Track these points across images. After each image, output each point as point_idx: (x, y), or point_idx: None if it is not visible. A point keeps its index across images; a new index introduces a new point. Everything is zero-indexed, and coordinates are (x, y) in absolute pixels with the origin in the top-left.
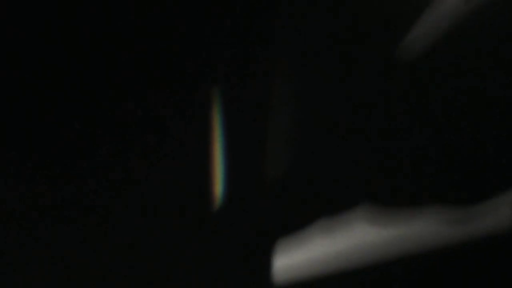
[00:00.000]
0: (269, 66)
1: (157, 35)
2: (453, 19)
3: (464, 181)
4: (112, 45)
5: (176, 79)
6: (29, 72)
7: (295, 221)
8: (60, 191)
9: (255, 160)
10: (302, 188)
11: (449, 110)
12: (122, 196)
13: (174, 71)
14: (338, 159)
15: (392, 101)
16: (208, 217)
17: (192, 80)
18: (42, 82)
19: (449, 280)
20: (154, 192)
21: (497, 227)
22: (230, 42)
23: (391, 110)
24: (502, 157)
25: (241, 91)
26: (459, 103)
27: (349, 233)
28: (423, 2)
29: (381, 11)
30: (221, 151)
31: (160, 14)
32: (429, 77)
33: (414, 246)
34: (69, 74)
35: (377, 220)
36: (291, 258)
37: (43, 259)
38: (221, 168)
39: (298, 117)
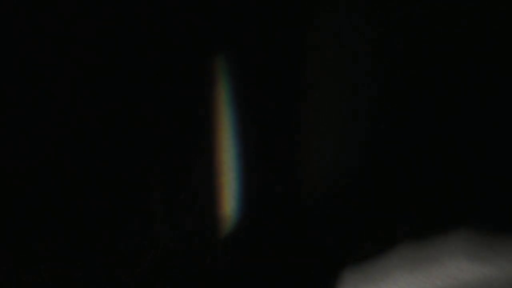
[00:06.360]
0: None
1: (170, 35)
2: None
3: None
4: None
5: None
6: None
7: (366, 251)
8: None
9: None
10: (374, 207)
11: None
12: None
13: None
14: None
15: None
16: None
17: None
18: None
19: None
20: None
21: None
22: (251, 44)
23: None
24: None
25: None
26: None
27: (440, 269)
28: None
29: None
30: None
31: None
32: None
33: None
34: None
35: (480, 254)
36: None
37: None
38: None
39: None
